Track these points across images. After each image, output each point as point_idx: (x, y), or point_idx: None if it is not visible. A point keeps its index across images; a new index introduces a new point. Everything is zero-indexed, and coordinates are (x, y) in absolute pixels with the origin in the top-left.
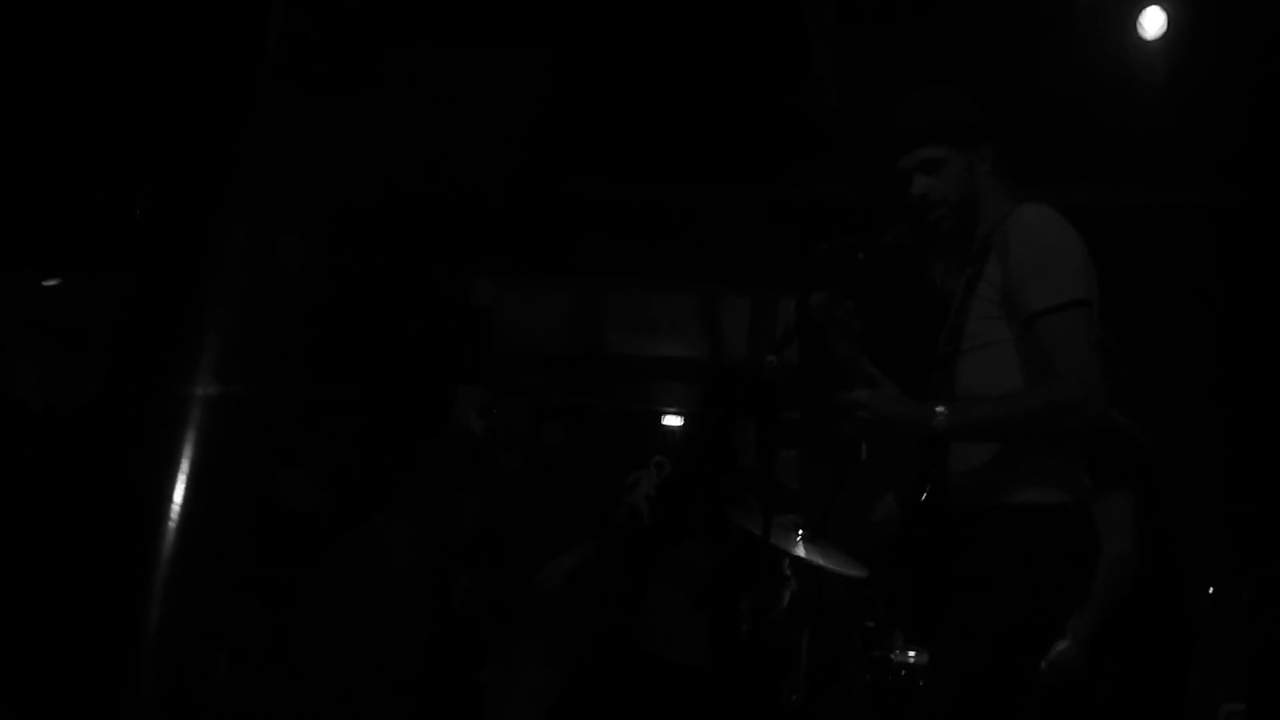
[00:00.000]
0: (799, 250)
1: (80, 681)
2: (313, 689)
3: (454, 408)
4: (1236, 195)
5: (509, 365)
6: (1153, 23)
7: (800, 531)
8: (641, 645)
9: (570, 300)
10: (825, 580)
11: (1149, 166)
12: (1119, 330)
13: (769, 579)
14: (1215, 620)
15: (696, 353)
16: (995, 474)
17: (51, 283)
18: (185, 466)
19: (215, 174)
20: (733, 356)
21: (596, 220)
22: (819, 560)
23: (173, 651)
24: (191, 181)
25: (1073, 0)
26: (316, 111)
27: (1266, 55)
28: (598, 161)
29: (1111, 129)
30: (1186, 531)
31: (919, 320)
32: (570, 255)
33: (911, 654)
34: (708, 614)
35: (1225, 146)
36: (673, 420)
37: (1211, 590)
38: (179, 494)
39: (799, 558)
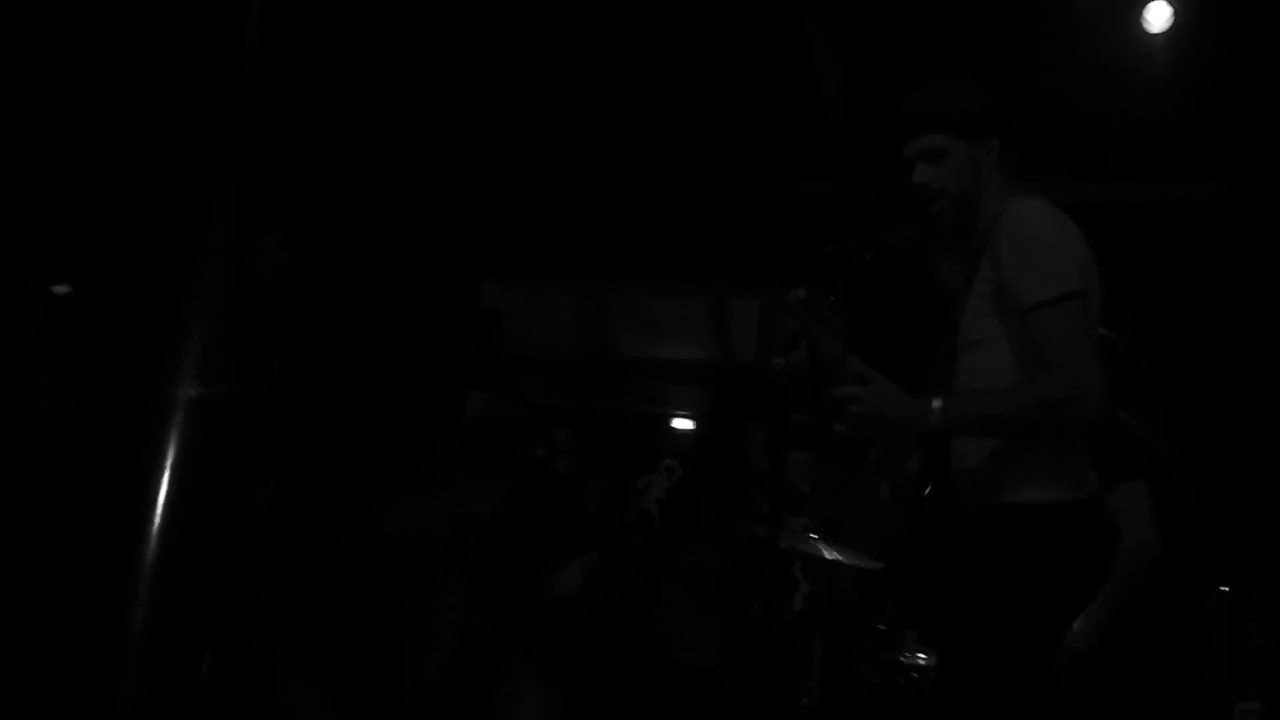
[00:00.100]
0: (805, 251)
1: (65, 682)
2: (323, 675)
3: (464, 410)
4: (1243, 190)
5: (517, 368)
6: (1158, 17)
7: (814, 535)
8: (652, 648)
9: (579, 302)
10: (836, 583)
11: (1156, 162)
12: (1127, 329)
13: (779, 582)
14: (1230, 619)
15: (706, 355)
16: (997, 472)
17: (41, 282)
18: (169, 467)
19: (196, 174)
20: (741, 358)
21: (602, 220)
22: (837, 555)
23: (158, 652)
24: (172, 182)
25: None
26: (306, 111)
27: (1272, 48)
28: (602, 161)
29: (1118, 125)
30: (1200, 530)
31: (924, 321)
32: (576, 256)
33: (922, 656)
34: (718, 617)
35: (1232, 141)
36: (683, 423)
37: (1226, 589)
38: (163, 494)
39: (815, 555)
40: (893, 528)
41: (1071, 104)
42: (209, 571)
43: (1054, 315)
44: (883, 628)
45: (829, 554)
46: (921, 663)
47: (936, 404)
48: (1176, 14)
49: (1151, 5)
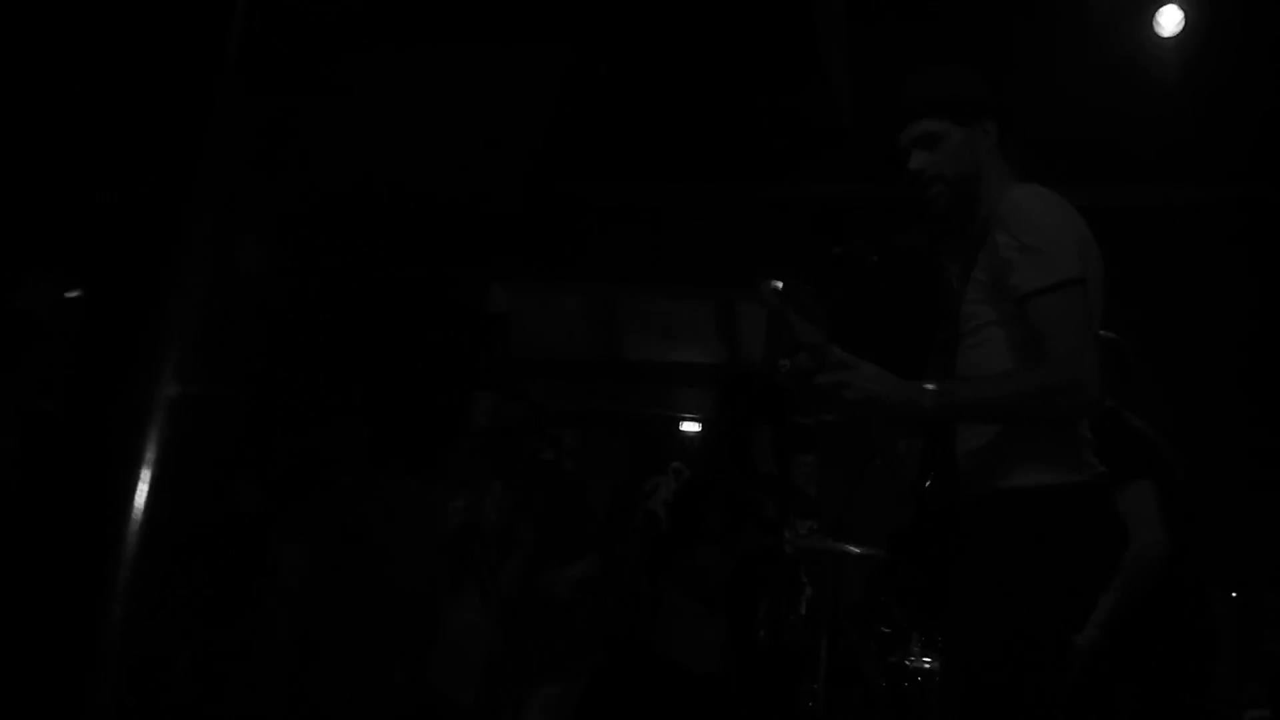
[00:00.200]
0: (813, 254)
1: (41, 680)
2: (331, 668)
3: (471, 413)
4: (1254, 192)
5: (524, 370)
6: (1170, 20)
7: (824, 539)
8: (658, 651)
9: (587, 305)
10: (842, 586)
11: (1168, 164)
12: (1137, 330)
13: (785, 585)
14: (1240, 625)
15: (714, 358)
16: (997, 456)
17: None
18: (149, 467)
19: (181, 176)
20: (749, 361)
21: (609, 223)
22: (848, 548)
23: (136, 650)
24: (155, 183)
25: None
26: (303, 111)
27: None
28: (610, 165)
29: (1130, 127)
30: (1210, 534)
31: (931, 322)
32: (584, 259)
33: (928, 660)
34: (724, 620)
35: (1245, 143)
36: (690, 426)
37: (1236, 595)
38: (142, 494)
39: (821, 549)
40: (897, 520)
41: (1084, 106)
42: (187, 570)
43: (1051, 302)
44: (888, 631)
45: (834, 545)
46: (927, 666)
47: (930, 387)
48: (1188, 18)
49: (1163, 9)
